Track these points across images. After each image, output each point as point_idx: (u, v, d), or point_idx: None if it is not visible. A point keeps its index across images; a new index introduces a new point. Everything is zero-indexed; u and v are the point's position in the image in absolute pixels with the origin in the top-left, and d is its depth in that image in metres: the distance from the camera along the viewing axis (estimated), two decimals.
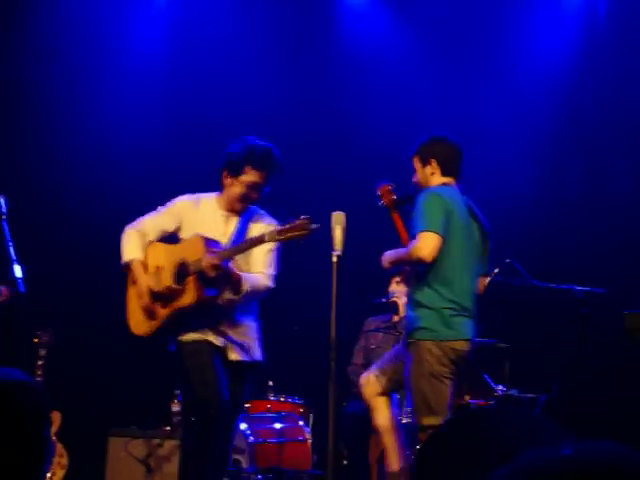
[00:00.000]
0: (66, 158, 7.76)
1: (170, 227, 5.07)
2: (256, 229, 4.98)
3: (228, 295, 4.85)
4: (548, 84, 7.87)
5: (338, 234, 4.50)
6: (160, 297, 4.89)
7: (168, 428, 6.66)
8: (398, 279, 6.84)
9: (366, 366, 6.80)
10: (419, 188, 4.96)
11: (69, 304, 7.41)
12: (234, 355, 5.00)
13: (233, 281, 4.74)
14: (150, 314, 4.95)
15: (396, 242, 5.14)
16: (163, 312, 4.90)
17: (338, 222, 4.52)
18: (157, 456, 6.53)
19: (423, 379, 4.78)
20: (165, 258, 4.93)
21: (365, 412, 6.38)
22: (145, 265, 5.00)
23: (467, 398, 6.54)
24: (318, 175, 7.87)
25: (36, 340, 5.97)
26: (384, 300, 6.84)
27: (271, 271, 5.04)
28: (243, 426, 6.14)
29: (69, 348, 6.87)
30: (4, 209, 4.98)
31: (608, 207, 7.48)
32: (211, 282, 4.73)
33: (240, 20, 8.22)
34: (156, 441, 6.56)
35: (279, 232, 4.61)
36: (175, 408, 6.70)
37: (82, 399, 7.14)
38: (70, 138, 7.77)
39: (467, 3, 8.04)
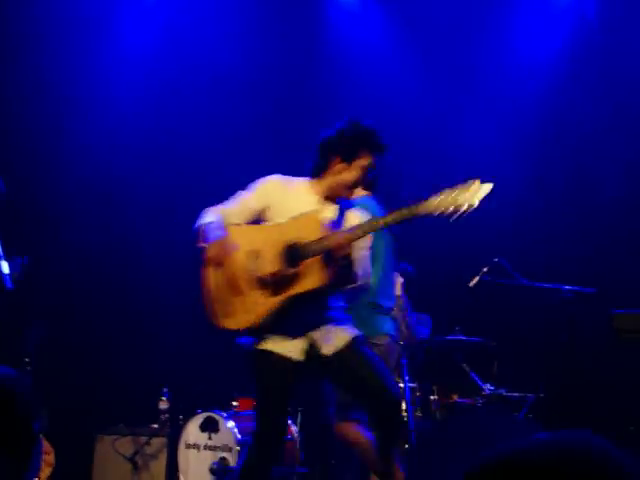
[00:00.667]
0: (63, 156, 7.73)
1: (257, 206, 4.46)
2: (353, 219, 4.46)
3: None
4: (535, 86, 7.89)
5: None
6: (266, 283, 4.27)
7: (155, 426, 6.65)
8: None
9: None
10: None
11: (58, 301, 7.39)
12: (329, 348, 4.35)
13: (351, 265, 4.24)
14: (255, 303, 4.27)
15: None
16: (274, 300, 4.24)
17: None
18: (144, 454, 6.52)
19: None
20: (264, 240, 4.33)
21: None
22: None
23: (455, 397, 6.56)
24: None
25: (24, 337, 5.94)
26: None
27: None
28: (231, 424, 6.14)
29: (57, 345, 6.86)
30: None
31: (596, 207, 7.50)
32: (334, 264, 4.19)
33: (229, 22, 8.20)
34: (143, 439, 6.55)
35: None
36: (162, 406, 6.69)
37: (70, 396, 7.11)
38: (65, 135, 7.75)
39: (456, 7, 8.03)
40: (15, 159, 7.24)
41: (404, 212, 4.30)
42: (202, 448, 6.16)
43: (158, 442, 6.56)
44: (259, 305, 4.25)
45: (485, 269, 5.84)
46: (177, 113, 7.99)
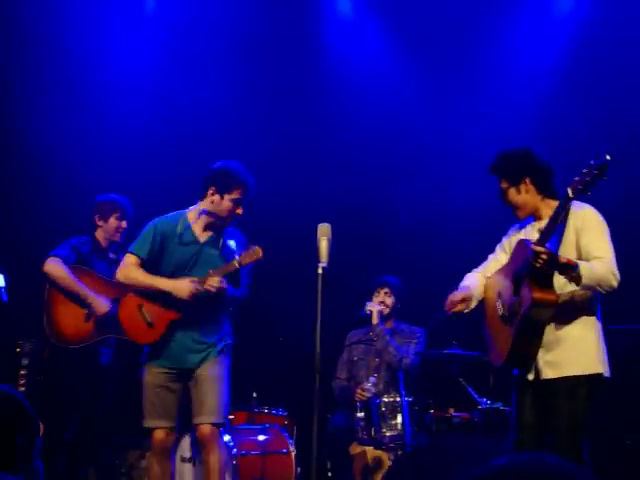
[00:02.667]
0: (56, 164, 7.72)
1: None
2: None
3: None
4: (533, 92, 7.88)
5: (324, 246, 4.50)
6: (507, 319, 4.55)
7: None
8: (387, 290, 6.85)
9: (349, 380, 6.81)
10: None
11: None
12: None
13: None
14: (503, 340, 4.59)
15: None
16: (511, 331, 4.48)
17: (324, 234, 4.52)
18: (139, 467, 6.51)
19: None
20: (501, 280, 4.67)
21: (349, 424, 6.40)
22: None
23: (451, 411, 6.54)
24: (303, 187, 7.86)
25: (18, 350, 5.92)
26: (363, 313, 6.83)
27: None
28: (226, 438, 6.11)
29: (53, 358, 6.82)
30: None
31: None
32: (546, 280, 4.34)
33: (224, 31, 8.20)
34: (138, 452, 6.54)
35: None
36: None
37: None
38: (57, 139, 7.74)
39: (452, 12, 8.03)
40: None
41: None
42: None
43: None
44: (504, 340, 4.53)
45: None
46: (168, 131, 7.99)
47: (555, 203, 4.49)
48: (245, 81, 8.15)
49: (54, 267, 6.18)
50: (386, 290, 6.85)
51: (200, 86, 8.16)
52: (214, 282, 5.23)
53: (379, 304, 6.80)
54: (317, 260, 4.47)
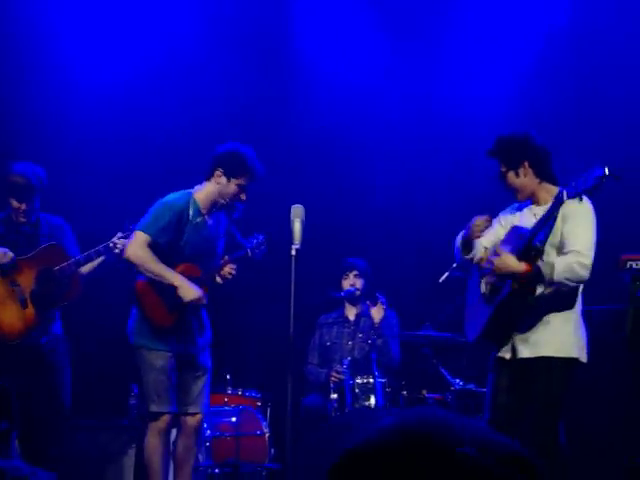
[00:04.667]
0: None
1: None
2: None
3: None
4: (512, 73, 7.87)
5: (297, 227, 4.49)
6: (488, 298, 4.80)
7: (125, 421, 6.63)
8: (355, 272, 6.85)
9: (322, 364, 6.81)
10: None
11: None
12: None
13: None
14: (477, 318, 4.89)
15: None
16: (490, 309, 4.74)
17: (297, 215, 4.50)
18: (114, 449, 6.50)
19: None
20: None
21: (322, 406, 6.42)
22: None
23: (424, 392, 6.57)
24: (277, 169, 7.84)
25: None
26: (343, 294, 6.83)
27: None
28: None
29: None
30: None
31: None
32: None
33: (196, 17, 8.16)
34: (112, 433, 6.53)
35: None
36: (132, 401, 6.66)
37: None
38: (47, 137, 7.68)
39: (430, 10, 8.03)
40: None
41: None
42: (172, 444, 6.13)
43: (127, 437, 6.53)
44: (482, 316, 4.72)
45: (455, 265, 5.84)
46: (146, 134, 7.94)
47: (552, 188, 4.62)
48: (217, 66, 8.10)
49: None
50: (355, 272, 6.86)
51: (172, 76, 8.11)
52: (231, 270, 5.38)
53: (350, 287, 6.81)
54: (290, 242, 4.47)
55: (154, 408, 5.29)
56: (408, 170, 7.96)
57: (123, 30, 8.00)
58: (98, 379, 7.22)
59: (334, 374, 6.48)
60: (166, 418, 5.30)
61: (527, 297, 4.48)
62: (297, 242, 4.46)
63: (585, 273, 4.44)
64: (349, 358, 6.54)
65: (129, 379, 6.53)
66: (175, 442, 5.53)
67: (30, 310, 5.67)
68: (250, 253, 5.46)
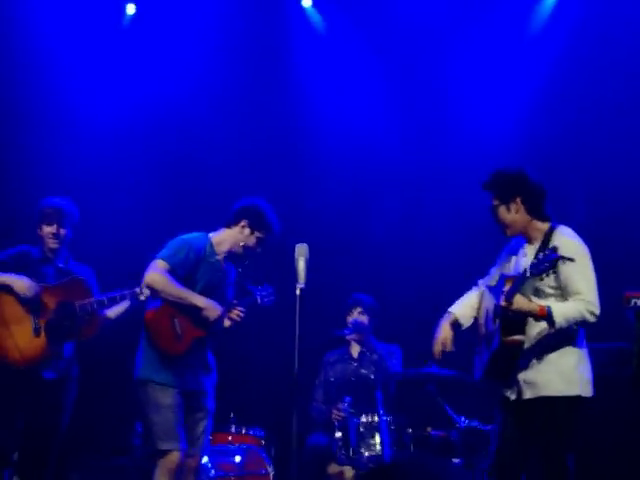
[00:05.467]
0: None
1: None
2: None
3: None
4: (505, 115, 7.94)
5: (301, 266, 4.52)
6: (486, 340, 4.81)
7: (129, 460, 6.61)
8: (360, 309, 6.85)
9: (326, 402, 6.79)
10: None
11: None
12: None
13: None
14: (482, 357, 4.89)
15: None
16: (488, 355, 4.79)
17: (301, 254, 4.54)
18: None
19: None
20: (491, 299, 4.82)
21: (327, 444, 6.40)
22: None
23: (429, 430, 6.55)
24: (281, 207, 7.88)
25: None
26: (347, 332, 6.82)
27: None
28: (204, 459, 6.08)
29: None
30: None
31: None
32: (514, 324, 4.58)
33: (196, 51, 8.26)
34: (117, 474, 6.51)
35: None
36: (136, 441, 6.65)
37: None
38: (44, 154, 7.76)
39: (427, 27, 8.08)
40: None
41: None
42: None
43: (131, 478, 6.51)
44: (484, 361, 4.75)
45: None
46: (138, 148, 8.01)
47: (542, 225, 4.68)
48: (219, 101, 8.18)
49: None
50: (360, 309, 6.86)
51: (173, 105, 8.19)
52: (240, 313, 5.47)
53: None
54: (295, 280, 4.48)
55: (163, 446, 5.24)
56: (407, 205, 8.00)
57: (123, 76, 8.13)
58: (102, 418, 7.21)
59: (335, 412, 6.47)
60: (176, 455, 5.26)
61: (515, 350, 4.53)
62: (302, 281, 4.49)
63: (592, 318, 4.48)
64: (350, 396, 6.54)
65: (133, 418, 6.52)
66: None
67: (42, 339, 5.65)
68: (259, 300, 5.57)
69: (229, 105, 8.18)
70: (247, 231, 5.50)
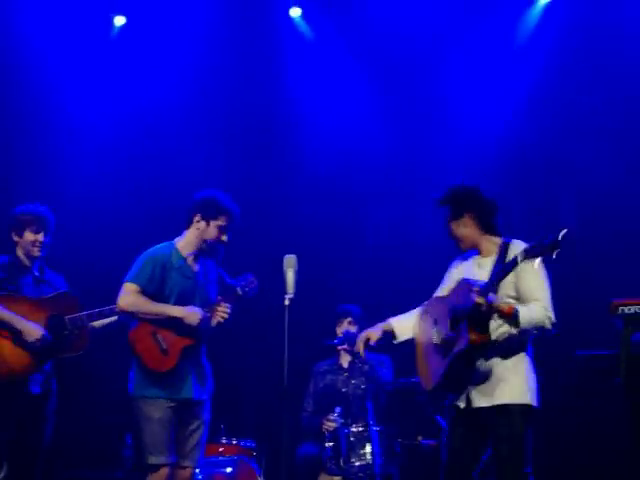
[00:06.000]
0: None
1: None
2: None
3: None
4: (494, 123, 7.97)
5: (290, 277, 4.55)
6: (440, 349, 4.74)
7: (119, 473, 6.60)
8: (350, 319, 6.86)
9: (317, 412, 6.79)
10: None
11: None
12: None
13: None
14: (431, 367, 4.85)
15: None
16: (444, 362, 4.68)
17: (290, 265, 4.55)
18: None
19: None
20: (440, 308, 4.86)
21: (317, 454, 6.40)
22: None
23: (419, 439, 6.56)
24: (269, 218, 7.90)
25: None
26: (337, 342, 6.83)
27: None
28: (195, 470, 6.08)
29: None
30: None
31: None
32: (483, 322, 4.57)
33: (187, 62, 8.28)
34: None
35: None
36: (127, 452, 6.63)
37: None
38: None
39: (418, 37, 8.11)
40: None
41: None
42: None
43: None
44: (436, 367, 4.72)
45: None
46: (134, 150, 8.03)
47: (496, 239, 4.84)
48: (208, 110, 8.21)
49: None
50: (349, 319, 6.87)
51: (162, 113, 8.21)
52: (226, 309, 5.36)
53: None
54: (284, 291, 4.49)
55: (153, 460, 5.22)
56: (398, 213, 8.01)
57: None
58: (91, 430, 7.19)
59: (325, 422, 6.47)
60: (166, 470, 5.25)
61: (481, 351, 4.57)
62: (290, 292, 4.50)
63: (550, 325, 4.57)
64: (341, 406, 6.54)
65: (123, 430, 6.51)
66: None
67: (30, 354, 5.59)
68: (240, 291, 5.44)
69: (218, 114, 8.19)
70: (202, 224, 5.39)
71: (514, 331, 4.58)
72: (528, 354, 4.73)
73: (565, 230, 4.20)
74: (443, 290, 5.03)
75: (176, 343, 5.30)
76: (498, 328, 4.61)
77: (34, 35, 7.99)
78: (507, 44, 8.11)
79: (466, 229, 4.86)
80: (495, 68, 8.09)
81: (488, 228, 4.87)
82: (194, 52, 8.26)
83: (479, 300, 4.41)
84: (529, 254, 4.33)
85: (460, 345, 4.51)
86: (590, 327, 5.66)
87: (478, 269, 4.81)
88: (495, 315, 4.52)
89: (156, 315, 5.26)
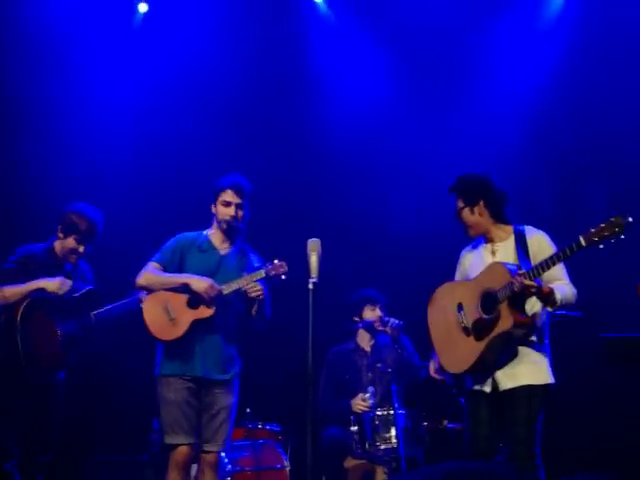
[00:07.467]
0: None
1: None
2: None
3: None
4: (519, 105, 7.94)
5: (314, 261, 4.53)
6: (471, 331, 4.87)
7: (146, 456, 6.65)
8: (379, 305, 6.84)
9: (337, 396, 6.73)
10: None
11: None
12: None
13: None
14: (459, 350, 4.93)
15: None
16: (480, 345, 4.79)
17: (314, 249, 4.55)
18: None
19: None
20: (463, 293, 4.98)
21: (343, 438, 6.41)
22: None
23: (445, 422, 6.56)
24: (293, 203, 7.91)
25: None
26: (361, 326, 6.83)
27: None
28: (222, 454, 6.11)
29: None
30: None
31: (580, 228, 7.53)
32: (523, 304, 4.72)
33: (209, 51, 8.28)
34: (135, 469, 6.55)
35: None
36: (154, 437, 6.68)
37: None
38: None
39: (440, 24, 8.08)
40: None
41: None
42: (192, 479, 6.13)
43: (149, 473, 6.54)
44: (468, 350, 4.82)
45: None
46: (153, 137, 8.05)
47: (506, 227, 5.02)
48: (233, 95, 8.21)
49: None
50: (380, 305, 6.84)
51: (186, 101, 8.23)
52: (256, 286, 5.39)
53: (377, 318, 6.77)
54: (308, 275, 4.49)
55: (168, 440, 5.31)
56: (423, 198, 7.99)
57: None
58: (119, 415, 7.24)
59: (359, 402, 6.46)
60: (183, 450, 5.29)
61: (524, 330, 4.70)
62: (314, 276, 4.49)
63: (574, 302, 4.78)
64: (372, 387, 6.55)
65: (150, 414, 6.55)
66: (196, 478, 5.52)
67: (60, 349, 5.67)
68: (264, 273, 5.45)
69: (241, 98, 8.19)
70: (214, 208, 5.61)
71: (542, 312, 4.76)
72: (548, 335, 4.89)
73: (630, 218, 4.32)
74: (457, 278, 5.21)
75: (186, 314, 5.36)
76: (531, 308, 4.76)
77: (62, 20, 8.03)
78: (528, 31, 8.08)
79: (479, 216, 5.01)
80: (521, 48, 8.06)
81: (499, 216, 5.03)
82: (216, 37, 8.28)
83: (528, 283, 4.52)
84: (595, 236, 4.41)
85: (504, 326, 4.63)
86: (616, 310, 5.61)
87: (491, 255, 4.97)
88: (534, 297, 4.64)
89: (165, 285, 5.39)
